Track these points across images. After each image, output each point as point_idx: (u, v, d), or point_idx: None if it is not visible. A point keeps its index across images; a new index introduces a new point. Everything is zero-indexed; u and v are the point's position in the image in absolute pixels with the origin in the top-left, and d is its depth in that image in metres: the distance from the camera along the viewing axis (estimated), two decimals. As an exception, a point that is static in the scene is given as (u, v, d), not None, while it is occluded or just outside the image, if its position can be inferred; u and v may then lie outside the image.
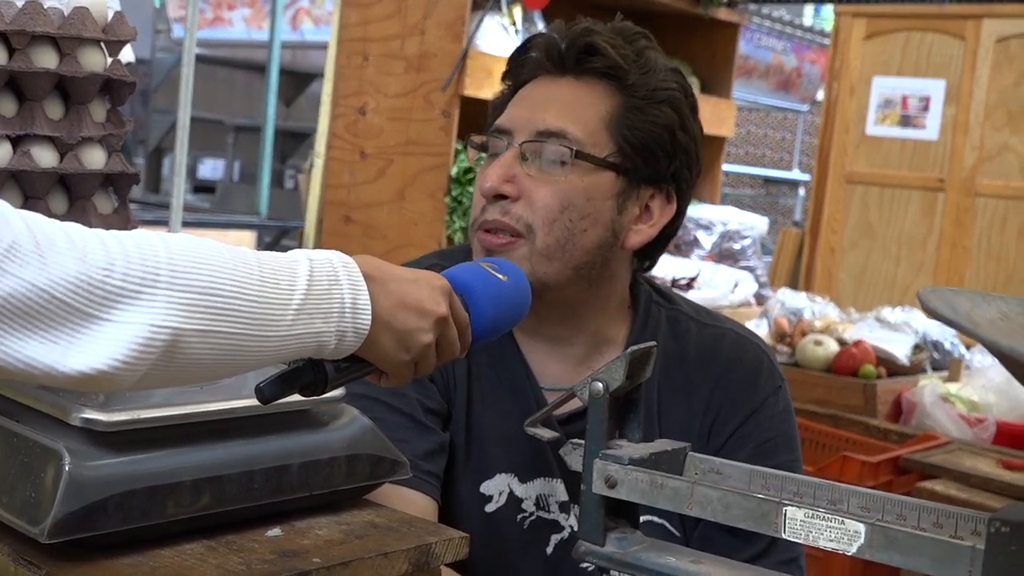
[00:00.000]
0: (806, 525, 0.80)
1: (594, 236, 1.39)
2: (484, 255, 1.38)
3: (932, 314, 0.66)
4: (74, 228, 0.83)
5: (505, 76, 1.50)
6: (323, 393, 1.01)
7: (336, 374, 1.00)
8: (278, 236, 7.19)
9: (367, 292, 0.97)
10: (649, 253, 1.49)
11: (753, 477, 0.89)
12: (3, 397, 1.05)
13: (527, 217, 1.37)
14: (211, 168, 9.75)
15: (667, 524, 1.41)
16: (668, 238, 1.48)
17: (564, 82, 1.42)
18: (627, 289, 1.49)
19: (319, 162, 3.22)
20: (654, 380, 1.43)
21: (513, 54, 1.49)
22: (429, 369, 1.05)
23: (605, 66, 1.40)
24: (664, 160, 1.41)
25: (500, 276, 1.13)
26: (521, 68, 1.47)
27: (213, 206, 8.51)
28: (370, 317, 0.97)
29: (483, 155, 1.47)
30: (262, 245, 6.89)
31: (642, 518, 0.99)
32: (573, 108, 1.39)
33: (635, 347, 0.92)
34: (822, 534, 0.79)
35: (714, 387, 1.45)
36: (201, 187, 9.44)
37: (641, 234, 1.43)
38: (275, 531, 1.06)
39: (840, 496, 0.84)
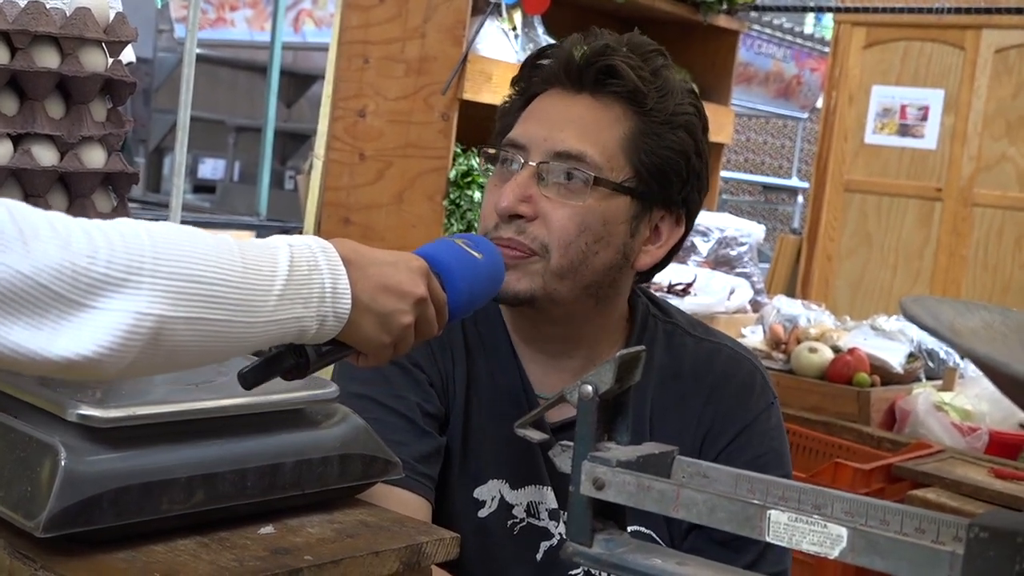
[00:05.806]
0: (790, 528, 0.80)
1: (606, 258, 1.39)
2: None
3: (913, 322, 0.67)
4: (57, 217, 0.83)
5: (517, 81, 1.47)
6: (304, 376, 1.02)
7: (317, 358, 1.01)
8: (277, 237, 7.18)
9: (346, 276, 0.98)
10: (653, 272, 1.49)
11: (739, 481, 0.89)
12: (1, 393, 1.06)
13: (543, 237, 1.36)
14: (211, 168, 9.75)
15: (654, 535, 1.42)
16: (672, 257, 1.49)
17: (581, 100, 1.40)
18: (627, 302, 1.50)
19: (318, 163, 3.22)
20: (648, 394, 1.44)
21: (528, 60, 1.47)
22: (407, 348, 1.06)
23: (625, 90, 1.38)
24: (677, 185, 1.41)
25: (475, 253, 1.14)
26: (536, 76, 1.44)
27: (213, 206, 8.51)
28: (350, 301, 0.98)
29: (491, 166, 1.44)
30: (261, 246, 6.88)
31: (630, 528, 1.00)
32: (591, 130, 1.37)
33: (624, 351, 0.93)
34: (805, 537, 0.80)
35: (706, 402, 1.45)
36: (201, 187, 9.45)
37: (650, 255, 1.44)
38: (268, 529, 1.07)
39: (824, 501, 0.85)
